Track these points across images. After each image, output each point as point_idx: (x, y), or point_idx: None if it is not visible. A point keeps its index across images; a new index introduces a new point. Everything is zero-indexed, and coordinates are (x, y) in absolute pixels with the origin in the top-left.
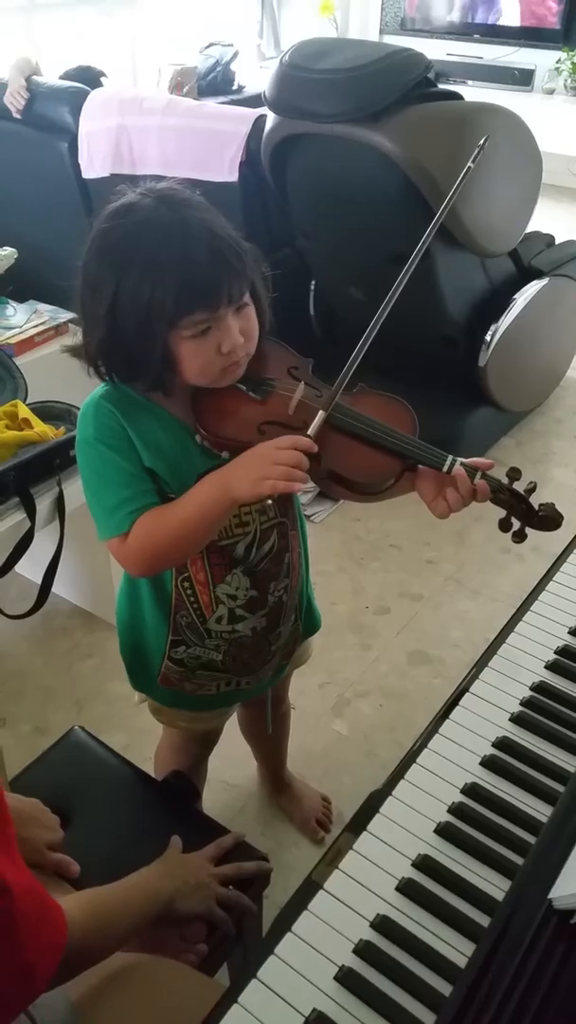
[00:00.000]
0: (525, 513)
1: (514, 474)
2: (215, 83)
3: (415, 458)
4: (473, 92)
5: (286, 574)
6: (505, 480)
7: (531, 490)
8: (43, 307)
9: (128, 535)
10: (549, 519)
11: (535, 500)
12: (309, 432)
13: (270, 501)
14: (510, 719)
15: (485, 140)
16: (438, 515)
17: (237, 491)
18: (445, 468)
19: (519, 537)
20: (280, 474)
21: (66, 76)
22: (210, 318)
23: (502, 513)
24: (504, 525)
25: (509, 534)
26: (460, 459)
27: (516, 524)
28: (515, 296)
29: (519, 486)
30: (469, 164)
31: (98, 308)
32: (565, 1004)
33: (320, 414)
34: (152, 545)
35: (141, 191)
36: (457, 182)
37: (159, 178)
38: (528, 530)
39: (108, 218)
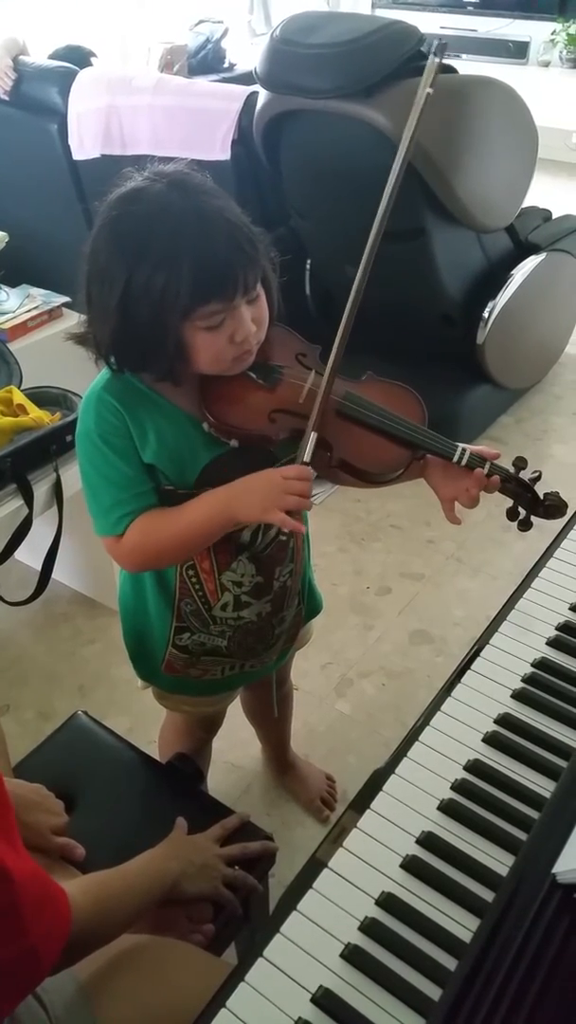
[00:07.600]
0: (531, 502)
1: (520, 463)
2: (206, 61)
3: (425, 448)
4: (467, 65)
5: (290, 559)
6: (511, 469)
7: (536, 479)
8: (36, 291)
9: (123, 536)
10: (554, 508)
11: (540, 489)
12: (305, 458)
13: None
14: (512, 695)
15: (434, 55)
16: (451, 520)
17: (242, 514)
18: (455, 459)
19: (525, 526)
20: (293, 504)
21: (55, 56)
22: (225, 309)
23: (507, 501)
24: (511, 514)
25: (515, 522)
26: (468, 448)
27: (522, 513)
28: (513, 272)
29: (524, 475)
30: (428, 90)
31: (108, 299)
32: (570, 977)
33: (312, 429)
34: (147, 549)
35: (150, 175)
36: (415, 111)
37: (165, 160)
38: (534, 518)
39: (117, 204)
